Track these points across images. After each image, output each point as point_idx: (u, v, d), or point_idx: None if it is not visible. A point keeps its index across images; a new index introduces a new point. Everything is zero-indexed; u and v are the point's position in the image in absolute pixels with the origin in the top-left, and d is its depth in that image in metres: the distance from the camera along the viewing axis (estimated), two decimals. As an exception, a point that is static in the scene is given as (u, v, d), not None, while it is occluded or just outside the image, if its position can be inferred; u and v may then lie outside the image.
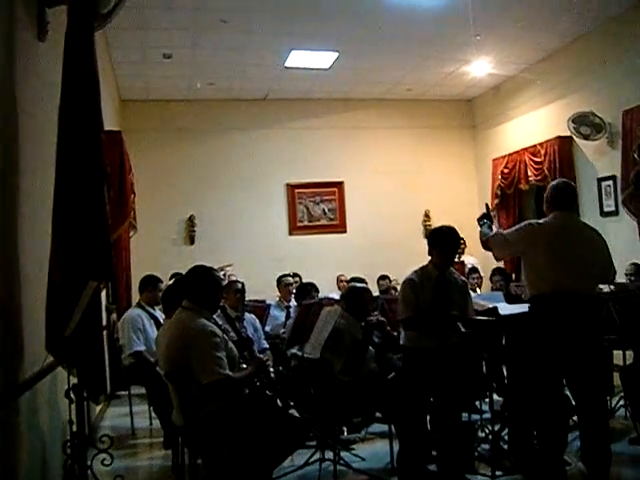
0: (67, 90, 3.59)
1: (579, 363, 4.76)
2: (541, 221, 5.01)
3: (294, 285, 8.44)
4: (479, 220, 5.45)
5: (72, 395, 3.73)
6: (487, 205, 5.75)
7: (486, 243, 5.26)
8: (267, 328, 7.64)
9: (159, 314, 7.00)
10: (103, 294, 6.59)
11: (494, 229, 5.45)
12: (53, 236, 3.46)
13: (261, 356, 4.96)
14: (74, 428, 3.77)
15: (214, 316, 4.66)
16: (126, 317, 7.08)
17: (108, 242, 3.58)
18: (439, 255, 5.30)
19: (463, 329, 5.23)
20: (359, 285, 5.99)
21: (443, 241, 5.30)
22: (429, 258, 5.43)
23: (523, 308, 5.13)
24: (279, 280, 8.69)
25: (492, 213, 5.61)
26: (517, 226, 5.13)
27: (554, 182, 5.25)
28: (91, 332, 3.64)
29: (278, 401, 5.50)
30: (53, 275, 3.42)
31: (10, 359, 3.32)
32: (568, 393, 5.02)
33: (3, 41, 3.38)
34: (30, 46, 3.97)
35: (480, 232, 5.37)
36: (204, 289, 4.45)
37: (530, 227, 4.96)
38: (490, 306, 5.34)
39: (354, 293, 5.66)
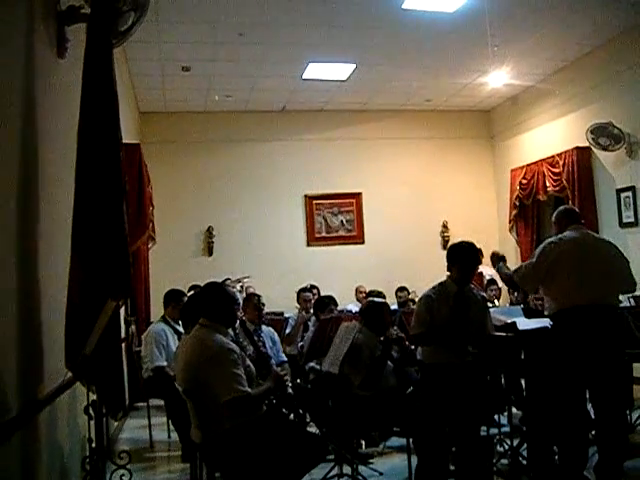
0: (86, 107, 3.62)
1: (603, 375, 4.76)
2: (560, 236, 5.04)
3: (313, 301, 8.43)
4: (494, 265, 5.57)
5: (91, 411, 3.75)
6: (494, 253, 5.83)
7: (512, 282, 5.32)
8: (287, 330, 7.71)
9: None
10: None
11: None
12: (72, 254, 3.48)
13: (278, 369, 4.96)
14: (93, 445, 3.78)
15: (233, 332, 4.67)
16: (150, 331, 7.09)
17: (127, 260, 3.59)
18: (459, 272, 5.29)
19: (471, 349, 5.19)
20: (377, 300, 5.97)
21: (463, 258, 5.29)
22: (447, 272, 5.44)
23: (542, 323, 5.13)
24: (299, 294, 8.69)
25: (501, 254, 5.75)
26: (537, 250, 5.15)
27: (559, 208, 5.46)
28: (110, 349, 3.66)
29: (294, 417, 5.51)
30: (72, 293, 3.44)
31: (30, 375, 3.34)
32: (589, 407, 5.00)
33: (24, 59, 3.42)
34: (50, 63, 4.01)
35: (500, 275, 5.46)
36: (218, 305, 4.47)
37: (551, 245, 5.01)
38: (509, 321, 5.32)
39: (372, 308, 5.65)
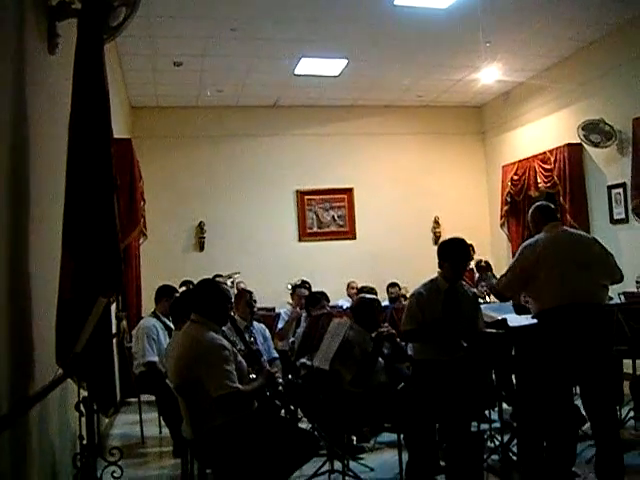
0: (77, 103, 3.60)
1: (589, 374, 4.75)
2: (536, 238, 5.01)
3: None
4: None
5: (82, 408, 3.74)
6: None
7: (497, 293, 5.32)
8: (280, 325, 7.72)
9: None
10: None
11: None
12: (63, 251, 3.46)
13: (269, 368, 4.96)
14: (84, 441, 3.78)
15: (223, 327, 4.67)
16: (141, 326, 7.08)
17: (119, 257, 3.58)
18: (450, 269, 5.30)
19: (465, 344, 5.18)
20: (368, 296, 5.96)
21: (454, 254, 5.30)
22: (438, 268, 5.45)
23: (532, 319, 5.13)
24: (293, 290, 8.67)
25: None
26: (515, 255, 5.13)
27: (533, 205, 5.37)
28: (101, 346, 3.65)
29: (285, 413, 5.51)
30: (63, 290, 3.43)
31: (20, 372, 3.32)
32: (578, 403, 5.01)
33: (14, 54, 3.39)
34: (40, 59, 3.99)
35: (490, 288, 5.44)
36: (212, 303, 4.46)
37: (529, 248, 4.98)
38: (499, 318, 5.33)
39: (363, 305, 5.65)
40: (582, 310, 4.74)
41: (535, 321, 5.07)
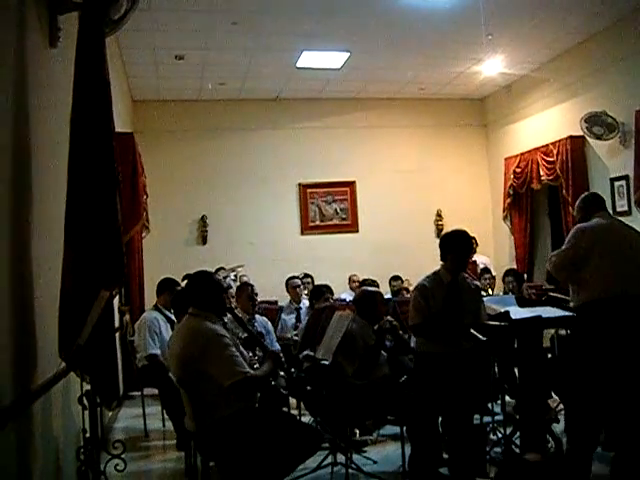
0: (78, 96, 3.60)
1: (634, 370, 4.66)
2: (590, 223, 4.94)
3: (302, 286, 8.43)
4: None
5: (85, 401, 3.75)
6: None
7: (549, 275, 5.24)
8: (278, 330, 7.69)
9: (175, 318, 7.00)
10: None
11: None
12: (65, 244, 3.47)
13: (273, 349, 4.96)
14: (87, 435, 3.78)
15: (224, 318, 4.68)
16: (143, 319, 7.07)
17: (121, 250, 3.59)
18: (453, 261, 5.27)
19: (480, 336, 5.13)
20: (371, 289, 5.97)
21: (457, 246, 5.28)
22: (441, 261, 5.43)
23: (535, 312, 5.11)
24: (287, 282, 8.69)
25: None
26: (568, 237, 5.03)
27: (585, 193, 5.33)
28: (104, 339, 3.66)
29: (291, 399, 5.51)
30: (66, 284, 3.44)
31: (24, 365, 3.33)
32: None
33: (15, 47, 3.39)
34: (42, 52, 3.99)
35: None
36: (206, 294, 4.46)
37: (583, 231, 4.89)
38: (502, 310, 5.31)
39: (366, 297, 5.66)
40: (632, 303, 4.66)
41: (538, 314, 5.04)
